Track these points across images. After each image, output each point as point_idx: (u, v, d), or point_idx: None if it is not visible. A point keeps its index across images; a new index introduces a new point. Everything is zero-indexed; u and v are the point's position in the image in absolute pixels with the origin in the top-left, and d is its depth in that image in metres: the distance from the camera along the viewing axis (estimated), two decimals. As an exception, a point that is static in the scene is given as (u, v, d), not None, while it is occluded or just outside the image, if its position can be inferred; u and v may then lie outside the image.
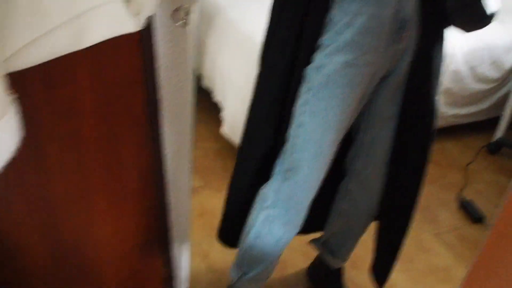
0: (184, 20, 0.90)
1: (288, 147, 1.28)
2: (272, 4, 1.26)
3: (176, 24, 0.91)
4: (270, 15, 1.27)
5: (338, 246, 1.68)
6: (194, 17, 0.84)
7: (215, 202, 2.19)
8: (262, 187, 1.36)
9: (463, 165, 2.59)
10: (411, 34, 1.21)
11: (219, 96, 2.52)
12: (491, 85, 2.63)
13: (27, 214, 1.05)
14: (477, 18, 1.16)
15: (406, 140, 1.33)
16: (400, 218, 1.50)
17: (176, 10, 0.89)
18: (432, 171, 2.55)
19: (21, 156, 0.95)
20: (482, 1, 1.13)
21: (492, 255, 1.07)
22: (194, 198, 2.18)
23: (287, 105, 1.27)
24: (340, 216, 1.59)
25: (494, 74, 2.59)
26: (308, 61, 1.21)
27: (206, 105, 2.69)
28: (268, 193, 1.34)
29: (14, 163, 0.95)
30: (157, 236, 1.33)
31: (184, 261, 1.46)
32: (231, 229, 1.52)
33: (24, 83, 0.89)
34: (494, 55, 2.55)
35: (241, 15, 2.44)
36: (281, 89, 1.27)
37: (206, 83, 2.64)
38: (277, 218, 1.34)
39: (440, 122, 2.78)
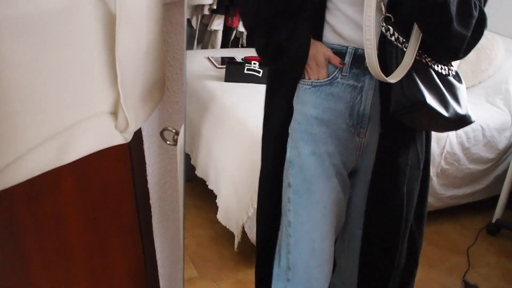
0: (173, 141, 0.90)
1: (284, 245, 1.25)
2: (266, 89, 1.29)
3: (166, 143, 0.91)
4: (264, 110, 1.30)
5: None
6: (181, 137, 0.84)
7: (211, 293, 2.13)
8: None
9: (464, 247, 2.54)
10: (372, 130, 1.21)
11: (212, 184, 2.50)
12: (486, 166, 2.63)
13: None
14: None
15: (374, 238, 1.30)
16: None
17: (164, 130, 0.90)
18: (433, 255, 2.50)
19: (6, 271, 0.93)
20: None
21: None
22: (189, 291, 2.12)
23: None
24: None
25: (488, 154, 2.60)
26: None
27: (200, 192, 2.67)
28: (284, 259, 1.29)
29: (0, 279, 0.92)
30: None
31: None
32: None
33: (6, 197, 0.87)
34: (487, 136, 2.57)
35: (234, 101, 2.48)
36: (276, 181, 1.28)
37: (200, 172, 2.63)
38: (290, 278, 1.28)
39: (437, 204, 2.77)
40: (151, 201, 1.05)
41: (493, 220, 2.69)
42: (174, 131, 0.87)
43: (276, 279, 1.30)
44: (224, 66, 2.86)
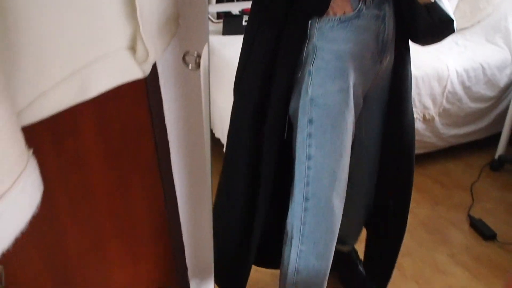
0: (195, 64, 0.91)
1: (299, 179, 1.29)
2: (246, 29, 1.28)
3: (189, 68, 0.93)
4: (244, 41, 1.29)
5: (343, 237, 1.67)
6: (205, 59, 0.85)
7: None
8: (287, 220, 1.36)
9: (467, 184, 2.59)
10: (390, 55, 1.29)
11: (219, 133, 2.54)
12: (488, 104, 2.66)
13: (42, 268, 1.04)
14: (444, 30, 1.24)
15: (391, 150, 1.41)
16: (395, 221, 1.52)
17: (186, 54, 0.91)
18: (438, 193, 2.55)
19: (36, 215, 0.96)
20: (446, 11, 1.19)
21: None
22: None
23: (262, 131, 1.29)
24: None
25: (489, 92, 2.62)
26: (285, 90, 1.23)
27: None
28: (292, 228, 1.34)
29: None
30: (173, 278, 1.32)
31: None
32: (229, 267, 1.46)
33: (33, 137, 0.89)
34: (488, 74, 2.58)
35: (233, 54, 2.48)
36: (256, 116, 1.29)
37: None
38: (309, 253, 1.34)
39: (441, 143, 2.80)
40: (169, 138, 1.07)
41: (496, 157, 2.73)
42: (195, 54, 0.88)
43: (292, 213, 1.33)
44: (221, 20, 2.86)
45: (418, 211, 2.37)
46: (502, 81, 2.62)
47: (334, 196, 1.27)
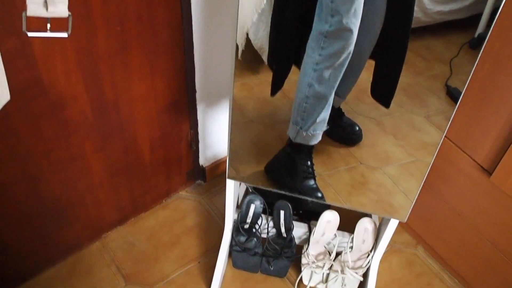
0: None
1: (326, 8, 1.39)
2: None
3: None
4: None
5: (340, 84, 1.81)
6: None
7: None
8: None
9: (447, 59, 2.72)
10: None
11: None
12: (474, -19, 2.73)
13: (75, 63, 1.15)
14: None
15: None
16: (396, 51, 1.64)
17: None
18: (419, 64, 2.68)
19: (69, 5, 1.05)
20: None
21: (472, 98, 1.22)
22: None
23: None
24: None
25: (477, -31, 2.69)
26: None
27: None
28: (313, 36, 1.44)
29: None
30: (185, 97, 1.45)
31: (213, 124, 1.57)
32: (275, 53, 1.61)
33: None
34: (475, -49, 2.63)
35: None
36: None
37: None
38: (322, 64, 1.48)
39: (425, 19, 2.88)
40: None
41: (475, 35, 2.85)
42: None
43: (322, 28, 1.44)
44: None
45: (400, 79, 2.52)
46: (490, -41, 2.69)
47: (351, 14, 1.40)
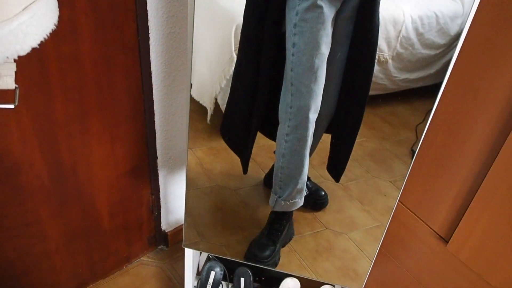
0: None
1: (287, 65, 1.43)
2: None
3: None
4: None
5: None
6: None
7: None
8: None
9: (413, 125, 2.80)
10: None
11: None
12: (438, 51, 2.84)
13: (31, 130, 1.16)
14: None
15: (354, 66, 1.51)
16: (350, 127, 1.66)
17: None
18: (386, 130, 2.75)
19: (27, 73, 1.07)
20: None
21: (426, 162, 1.25)
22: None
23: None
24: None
25: (440, 40, 2.80)
26: None
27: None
28: (281, 109, 1.49)
29: (21, 79, 1.07)
30: (145, 163, 1.46)
31: (175, 190, 1.57)
32: (229, 126, 1.67)
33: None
34: (441, 22, 2.76)
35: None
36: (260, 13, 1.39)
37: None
38: (292, 136, 1.53)
39: (392, 87, 2.98)
40: (149, 24, 1.20)
41: (441, 102, 2.94)
42: None
43: (286, 97, 1.49)
44: None
45: (367, 144, 2.56)
46: (453, 30, 2.80)
47: (311, 82, 1.44)
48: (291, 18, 1.43)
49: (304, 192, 1.75)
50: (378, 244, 1.76)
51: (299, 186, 1.71)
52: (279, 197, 1.73)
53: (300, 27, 1.40)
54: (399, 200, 1.43)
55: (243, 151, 1.71)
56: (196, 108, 2.64)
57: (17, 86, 0.77)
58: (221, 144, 2.51)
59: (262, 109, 1.55)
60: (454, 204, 1.46)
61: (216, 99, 2.47)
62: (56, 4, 0.73)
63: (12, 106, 0.80)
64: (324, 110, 1.68)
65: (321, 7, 1.37)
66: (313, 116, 1.51)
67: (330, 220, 2.07)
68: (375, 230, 2.02)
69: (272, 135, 1.71)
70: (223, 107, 2.40)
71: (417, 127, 2.90)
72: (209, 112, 2.54)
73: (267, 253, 1.85)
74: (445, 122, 1.53)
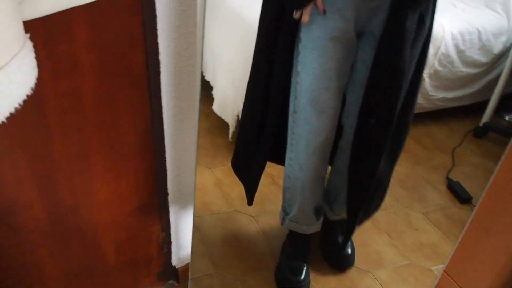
0: None
1: (292, 92, 1.39)
2: None
3: None
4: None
5: (334, 199, 1.75)
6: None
7: (205, 178, 2.21)
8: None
9: (450, 148, 2.63)
10: None
11: (209, 75, 2.53)
12: (479, 70, 2.67)
13: (28, 170, 1.06)
14: None
15: (373, 103, 1.34)
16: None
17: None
18: (419, 154, 2.60)
19: (23, 112, 0.97)
20: None
21: (476, 234, 1.11)
22: (185, 175, 2.20)
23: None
24: (337, 172, 1.65)
25: (482, 58, 2.63)
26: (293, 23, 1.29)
27: (197, 85, 2.70)
28: (288, 135, 1.48)
29: (16, 119, 0.96)
30: (155, 200, 1.35)
31: (187, 225, 1.48)
32: (240, 161, 1.69)
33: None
34: (483, 39, 2.59)
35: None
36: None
37: (198, 63, 2.65)
38: (294, 161, 1.50)
39: (427, 105, 2.83)
40: (160, 57, 1.08)
41: (481, 124, 2.77)
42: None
43: (288, 123, 1.47)
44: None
45: (398, 169, 2.41)
46: (497, 47, 2.63)
47: (313, 112, 1.37)
48: (296, 45, 1.35)
49: (314, 219, 1.69)
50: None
51: (304, 208, 1.64)
52: (287, 214, 1.70)
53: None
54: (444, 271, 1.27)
55: (250, 180, 1.66)
56: (217, 123, 2.53)
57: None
58: (242, 164, 2.36)
59: (271, 133, 1.49)
60: (499, 276, 1.30)
61: (238, 116, 2.35)
62: (32, 65, 0.61)
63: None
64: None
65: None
66: (315, 146, 1.45)
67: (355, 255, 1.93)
68: (403, 270, 1.88)
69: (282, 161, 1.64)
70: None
71: (454, 150, 2.72)
72: (231, 129, 2.43)
73: (303, 276, 1.76)
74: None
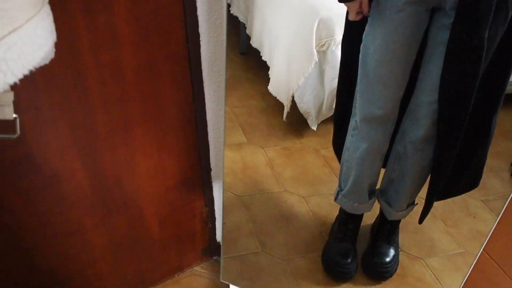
0: None
1: (360, 60, 1.35)
2: None
3: None
4: None
5: (393, 196, 1.68)
6: None
7: (257, 157, 2.20)
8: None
9: (516, 134, 2.49)
10: None
11: (266, 55, 2.51)
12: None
13: (70, 140, 1.08)
14: None
15: (451, 86, 1.28)
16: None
17: None
18: (483, 139, 2.47)
19: (64, 83, 0.99)
20: None
21: None
22: (236, 153, 2.20)
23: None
24: (397, 160, 1.59)
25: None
26: None
27: (253, 65, 2.68)
28: (353, 104, 1.46)
29: (58, 88, 0.99)
30: (198, 175, 1.36)
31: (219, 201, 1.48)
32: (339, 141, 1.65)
33: (65, 11, 0.91)
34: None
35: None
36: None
37: (255, 42, 2.63)
38: (355, 130, 1.48)
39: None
40: (200, 30, 1.07)
41: (553, 109, 2.59)
42: None
43: (356, 88, 1.42)
44: None
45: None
46: None
47: (379, 76, 1.34)
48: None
49: (366, 196, 1.64)
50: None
51: (358, 182, 1.60)
52: (341, 190, 1.67)
53: None
54: (483, 249, 1.21)
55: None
56: (272, 103, 2.50)
57: (16, 116, 0.68)
58: (295, 145, 2.36)
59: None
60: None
61: (293, 96, 2.32)
62: (49, 29, 0.62)
63: (14, 136, 0.71)
64: None
65: None
66: (375, 117, 1.41)
67: (405, 241, 1.87)
68: (457, 258, 1.80)
69: None
70: (300, 104, 2.25)
71: (520, 137, 2.56)
72: (286, 110, 2.40)
73: (350, 259, 1.72)
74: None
